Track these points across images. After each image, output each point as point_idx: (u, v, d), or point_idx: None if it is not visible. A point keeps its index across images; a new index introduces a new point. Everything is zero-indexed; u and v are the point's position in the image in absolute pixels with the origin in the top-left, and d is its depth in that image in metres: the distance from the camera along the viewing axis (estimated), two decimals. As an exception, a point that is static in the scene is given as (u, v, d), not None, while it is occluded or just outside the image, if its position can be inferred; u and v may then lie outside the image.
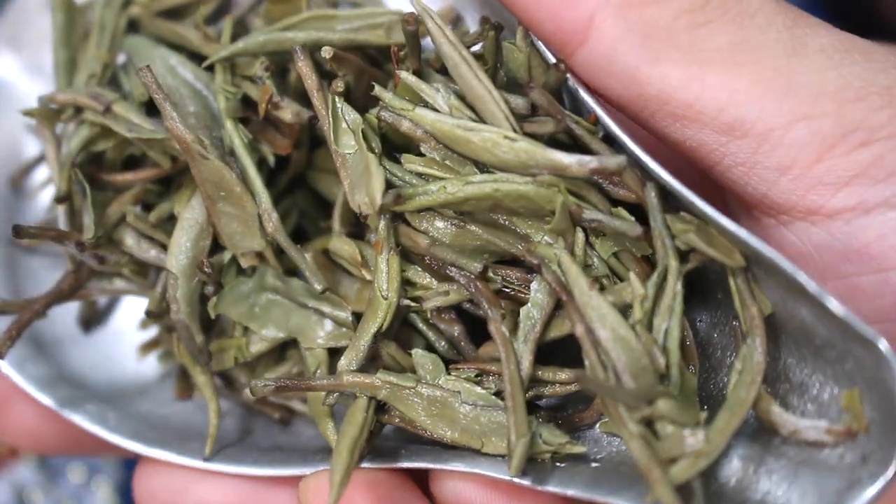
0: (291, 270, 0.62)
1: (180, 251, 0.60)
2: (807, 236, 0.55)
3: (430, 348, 0.61)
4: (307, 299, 0.61)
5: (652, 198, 0.55)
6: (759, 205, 0.56)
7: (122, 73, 0.64)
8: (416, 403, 0.57)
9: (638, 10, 0.55)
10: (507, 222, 0.58)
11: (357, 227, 0.63)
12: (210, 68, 0.62)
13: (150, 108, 0.62)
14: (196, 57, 0.63)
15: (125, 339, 0.70)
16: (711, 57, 0.54)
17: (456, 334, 0.60)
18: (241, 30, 0.64)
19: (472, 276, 0.57)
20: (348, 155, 0.57)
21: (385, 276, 0.58)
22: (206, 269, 0.60)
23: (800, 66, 0.54)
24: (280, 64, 0.62)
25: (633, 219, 0.56)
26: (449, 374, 0.58)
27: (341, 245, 0.61)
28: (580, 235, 0.56)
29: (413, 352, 0.58)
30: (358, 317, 0.61)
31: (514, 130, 0.55)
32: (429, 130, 0.56)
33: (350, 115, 0.58)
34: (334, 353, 0.62)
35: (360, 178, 0.56)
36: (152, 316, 0.62)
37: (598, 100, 0.56)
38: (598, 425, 0.60)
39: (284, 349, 0.65)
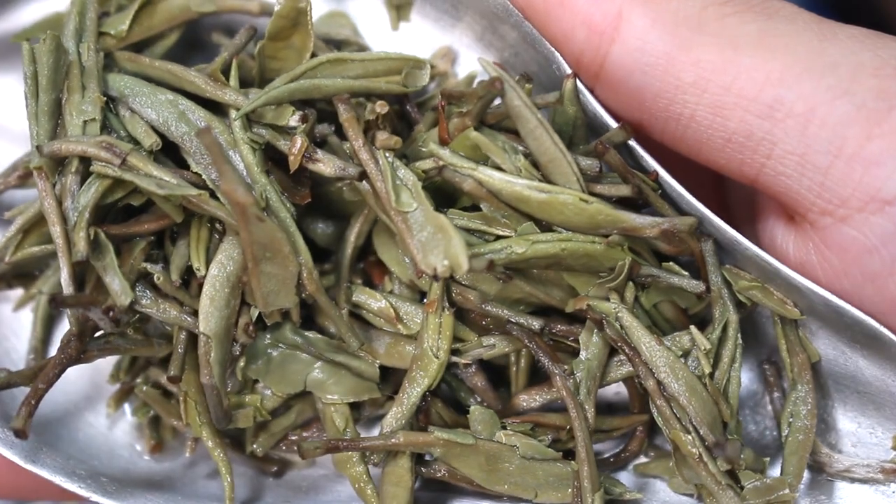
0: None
1: (213, 313, 0.56)
2: (869, 228, 0.53)
3: (451, 398, 0.61)
4: (331, 353, 0.59)
5: (711, 254, 0.58)
6: (815, 201, 0.54)
7: (112, 116, 0.59)
8: (471, 459, 0.57)
9: (665, 2, 0.56)
10: (550, 276, 0.58)
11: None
12: (220, 111, 0.59)
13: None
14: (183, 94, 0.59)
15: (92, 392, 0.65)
16: (744, 41, 0.54)
17: (480, 385, 0.60)
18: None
19: (534, 332, 0.58)
20: (410, 214, 0.55)
21: (437, 335, 0.57)
22: (252, 335, 0.57)
23: (832, 48, 0.54)
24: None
25: (687, 274, 0.58)
26: (504, 428, 0.58)
27: (370, 299, 0.60)
28: (631, 289, 0.58)
29: (472, 409, 0.58)
30: (384, 370, 0.60)
31: (582, 190, 0.56)
32: (493, 190, 0.56)
33: (402, 171, 0.56)
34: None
35: (431, 240, 0.55)
36: (175, 381, 0.58)
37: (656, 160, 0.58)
38: (631, 465, 0.62)
39: (288, 399, 0.62)
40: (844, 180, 0.53)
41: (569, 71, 0.58)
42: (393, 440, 0.57)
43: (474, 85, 0.64)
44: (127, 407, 0.65)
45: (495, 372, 0.62)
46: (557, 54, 0.58)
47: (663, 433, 0.57)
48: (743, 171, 0.56)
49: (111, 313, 0.55)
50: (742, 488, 0.56)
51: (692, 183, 0.58)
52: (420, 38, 0.66)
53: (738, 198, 0.65)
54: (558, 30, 0.58)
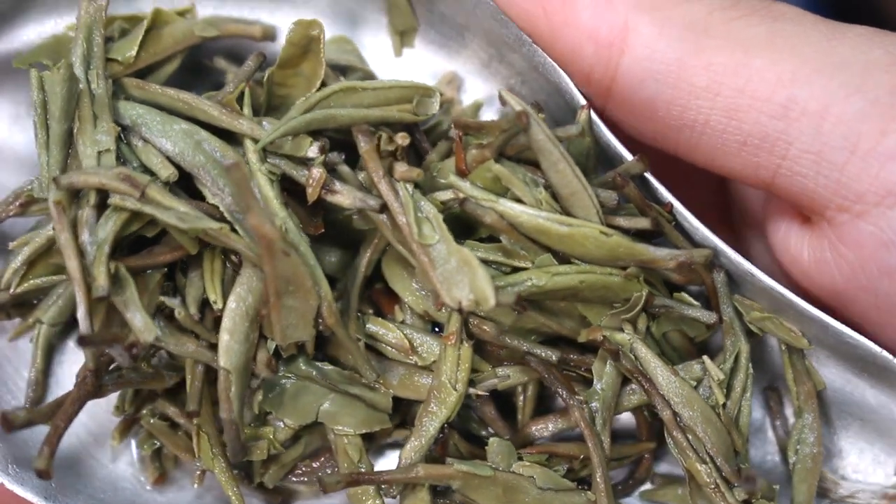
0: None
1: (233, 348, 0.55)
2: (886, 223, 0.54)
3: (461, 428, 0.61)
4: (344, 385, 0.59)
5: (723, 285, 0.59)
6: (832, 198, 0.54)
7: (124, 146, 0.57)
8: (489, 491, 0.57)
9: (670, 9, 0.56)
10: (561, 307, 0.59)
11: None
12: (232, 140, 0.58)
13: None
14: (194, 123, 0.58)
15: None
16: (753, 44, 0.55)
17: (490, 415, 0.61)
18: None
19: (550, 363, 0.58)
20: (433, 247, 0.55)
21: (456, 367, 0.57)
22: (274, 369, 0.56)
23: (842, 47, 0.55)
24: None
25: (699, 304, 0.59)
26: (520, 459, 0.58)
27: (384, 330, 0.59)
28: (643, 319, 0.59)
29: (490, 440, 0.58)
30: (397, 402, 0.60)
31: (602, 223, 0.56)
32: (514, 222, 0.56)
33: (422, 203, 0.56)
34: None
35: (455, 273, 0.54)
36: (194, 416, 0.57)
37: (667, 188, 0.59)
38: (637, 492, 0.63)
39: (297, 430, 0.61)
40: (860, 176, 0.53)
41: (583, 101, 0.58)
42: (413, 473, 0.57)
43: (481, 113, 0.64)
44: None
45: (501, 400, 0.62)
46: (571, 83, 0.58)
47: (677, 461, 0.58)
48: (759, 175, 0.56)
49: (134, 350, 0.54)
50: (756, 517, 0.58)
51: (695, 194, 0.59)
52: (423, 64, 0.65)
53: (743, 206, 0.66)
54: (565, 49, 0.58)
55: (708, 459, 0.57)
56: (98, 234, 0.54)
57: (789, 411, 0.62)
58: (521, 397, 0.61)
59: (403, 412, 0.61)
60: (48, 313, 0.60)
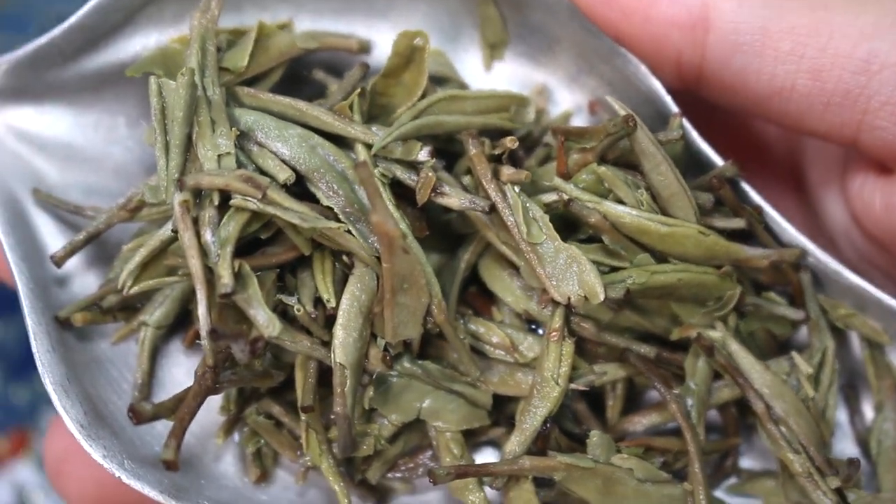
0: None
1: (348, 344, 0.57)
2: None
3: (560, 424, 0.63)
4: (447, 382, 0.61)
5: (809, 285, 0.61)
6: None
7: (239, 151, 0.59)
8: (589, 483, 0.59)
9: None
10: (653, 306, 0.61)
11: None
12: (343, 146, 0.60)
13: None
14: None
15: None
16: (833, 2, 0.56)
17: (583, 410, 0.63)
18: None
19: (649, 359, 0.60)
20: (541, 246, 0.58)
21: (558, 364, 0.59)
22: (389, 364, 0.58)
23: None
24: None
25: (786, 302, 0.61)
26: (620, 451, 0.60)
27: (484, 329, 0.61)
28: (733, 317, 0.61)
29: (591, 433, 0.60)
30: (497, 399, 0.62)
31: (699, 223, 0.59)
32: (616, 222, 0.59)
33: (529, 204, 0.58)
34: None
35: (564, 270, 0.57)
36: (308, 411, 0.59)
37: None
38: (723, 485, 0.65)
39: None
40: None
41: (675, 109, 0.61)
42: (519, 465, 0.59)
43: (570, 122, 0.67)
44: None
45: (589, 399, 0.64)
46: (663, 91, 0.61)
47: (758, 457, 0.61)
48: (843, 134, 0.58)
49: (257, 345, 0.56)
50: (849, 505, 0.60)
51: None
52: (513, 76, 0.68)
53: (820, 166, 0.68)
54: (650, 43, 0.61)
55: (801, 449, 0.59)
56: (220, 234, 0.56)
57: (866, 407, 0.65)
58: (611, 395, 0.63)
59: (498, 411, 0.63)
60: (154, 316, 0.62)
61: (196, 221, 0.57)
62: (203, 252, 0.56)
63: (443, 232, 0.63)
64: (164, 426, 0.61)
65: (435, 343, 0.62)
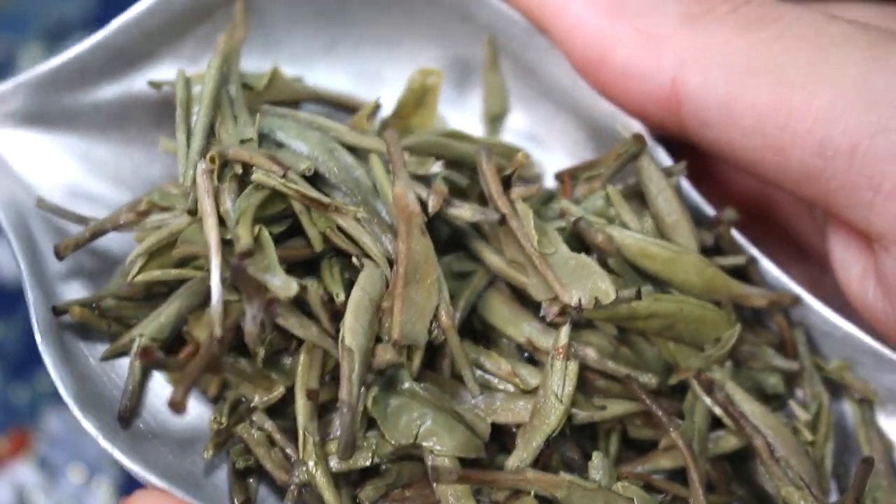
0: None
1: (358, 330, 0.56)
2: None
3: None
4: (448, 402, 0.59)
5: (803, 341, 0.63)
6: (868, 232, 0.57)
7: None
8: (591, 504, 0.57)
9: (712, 50, 0.59)
10: (648, 350, 0.62)
11: None
12: (358, 155, 0.62)
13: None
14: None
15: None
16: (794, 74, 0.57)
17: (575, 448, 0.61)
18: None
19: (651, 390, 0.60)
20: (550, 256, 0.58)
21: (562, 383, 0.58)
22: (401, 354, 0.56)
23: (878, 79, 0.55)
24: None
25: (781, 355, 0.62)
26: (622, 479, 0.58)
27: (483, 356, 0.60)
28: (729, 365, 0.62)
29: (593, 454, 0.58)
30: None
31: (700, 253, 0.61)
32: (621, 245, 0.60)
33: (536, 220, 0.60)
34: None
35: (574, 275, 0.58)
36: (314, 396, 0.56)
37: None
38: None
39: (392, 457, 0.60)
40: (883, 215, 0.56)
41: (669, 162, 0.64)
42: (523, 476, 0.57)
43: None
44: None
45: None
46: (661, 148, 0.65)
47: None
48: (816, 200, 0.59)
49: (272, 307, 0.54)
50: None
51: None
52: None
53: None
54: (635, 110, 0.63)
55: (804, 485, 0.58)
56: (240, 205, 0.56)
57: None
58: (607, 437, 0.62)
59: (494, 445, 0.61)
60: (149, 328, 0.60)
61: (217, 192, 0.57)
62: (221, 221, 0.56)
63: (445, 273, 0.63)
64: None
65: (434, 364, 0.60)
